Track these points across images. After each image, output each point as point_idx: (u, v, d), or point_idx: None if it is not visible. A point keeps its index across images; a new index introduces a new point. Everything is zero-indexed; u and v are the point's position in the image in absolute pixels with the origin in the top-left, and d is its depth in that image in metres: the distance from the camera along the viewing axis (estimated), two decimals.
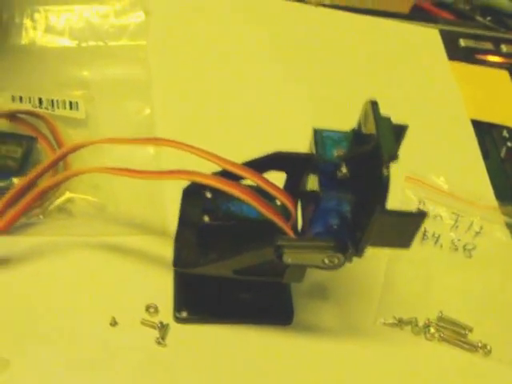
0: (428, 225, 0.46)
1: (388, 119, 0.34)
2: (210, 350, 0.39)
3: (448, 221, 0.47)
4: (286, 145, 0.38)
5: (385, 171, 0.31)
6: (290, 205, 0.37)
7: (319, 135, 0.37)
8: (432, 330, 0.41)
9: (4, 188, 0.41)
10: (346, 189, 0.34)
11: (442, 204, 0.47)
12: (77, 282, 0.41)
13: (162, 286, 0.41)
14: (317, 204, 0.35)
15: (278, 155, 0.38)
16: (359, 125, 0.36)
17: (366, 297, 0.43)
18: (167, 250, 0.42)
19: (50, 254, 0.42)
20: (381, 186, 0.31)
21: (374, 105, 0.34)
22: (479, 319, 0.42)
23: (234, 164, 0.36)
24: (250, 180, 0.36)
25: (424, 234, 0.46)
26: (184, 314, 0.40)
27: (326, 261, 0.35)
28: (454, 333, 0.41)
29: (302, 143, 0.38)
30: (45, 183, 0.39)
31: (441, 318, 0.42)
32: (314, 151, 0.36)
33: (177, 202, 0.41)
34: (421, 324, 0.41)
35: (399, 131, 0.34)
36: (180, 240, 0.40)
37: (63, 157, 0.41)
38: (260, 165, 0.38)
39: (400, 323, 0.41)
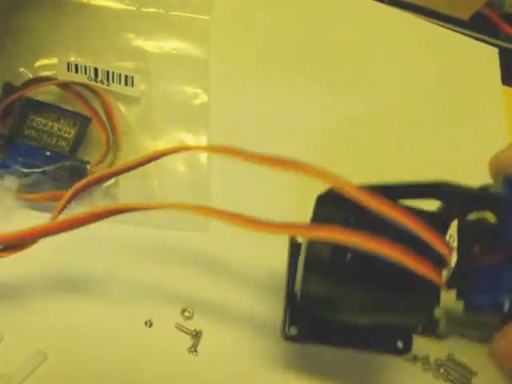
0: None
1: None
2: None
3: None
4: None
5: None
6: (449, 257, 0.29)
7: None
8: (442, 370, 0.44)
9: (52, 172, 0.39)
10: None
11: None
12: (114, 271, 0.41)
13: (198, 290, 0.42)
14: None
15: (441, 186, 0.31)
16: None
17: None
18: (208, 250, 0.43)
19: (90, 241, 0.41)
20: None
21: None
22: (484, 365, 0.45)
23: (383, 202, 0.28)
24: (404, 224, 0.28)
25: None
26: (293, 332, 0.37)
27: None
28: (460, 376, 0.44)
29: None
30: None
31: (450, 360, 0.45)
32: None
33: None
34: (432, 362, 0.44)
35: None
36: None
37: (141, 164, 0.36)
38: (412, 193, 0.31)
39: (414, 359, 0.44)
